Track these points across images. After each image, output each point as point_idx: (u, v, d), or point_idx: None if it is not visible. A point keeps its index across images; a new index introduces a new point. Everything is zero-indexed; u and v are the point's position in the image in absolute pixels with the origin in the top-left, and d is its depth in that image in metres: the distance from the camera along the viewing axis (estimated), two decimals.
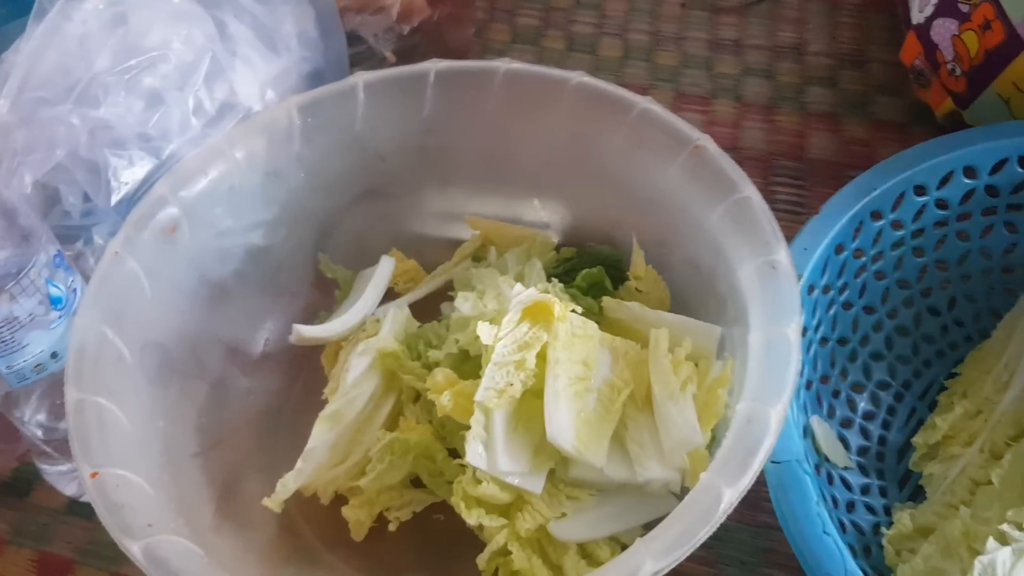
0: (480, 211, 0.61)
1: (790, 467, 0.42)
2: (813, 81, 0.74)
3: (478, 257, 0.60)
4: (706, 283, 0.51)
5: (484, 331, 0.47)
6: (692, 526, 0.37)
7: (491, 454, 0.46)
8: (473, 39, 0.78)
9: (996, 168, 0.53)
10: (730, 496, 0.38)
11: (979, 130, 0.53)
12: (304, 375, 0.57)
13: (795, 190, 0.67)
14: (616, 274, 0.56)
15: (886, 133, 0.69)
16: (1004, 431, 0.49)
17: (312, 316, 0.58)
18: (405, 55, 0.71)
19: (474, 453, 0.45)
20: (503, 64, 0.56)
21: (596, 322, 0.52)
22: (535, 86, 0.56)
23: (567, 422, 0.45)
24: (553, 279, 0.55)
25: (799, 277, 0.48)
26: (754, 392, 0.42)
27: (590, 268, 0.55)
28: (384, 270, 0.58)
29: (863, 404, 0.54)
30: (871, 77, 0.73)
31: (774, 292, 0.45)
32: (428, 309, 0.57)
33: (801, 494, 0.41)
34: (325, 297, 0.59)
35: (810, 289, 0.50)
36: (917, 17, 0.62)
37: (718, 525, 0.37)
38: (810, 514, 0.40)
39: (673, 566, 0.37)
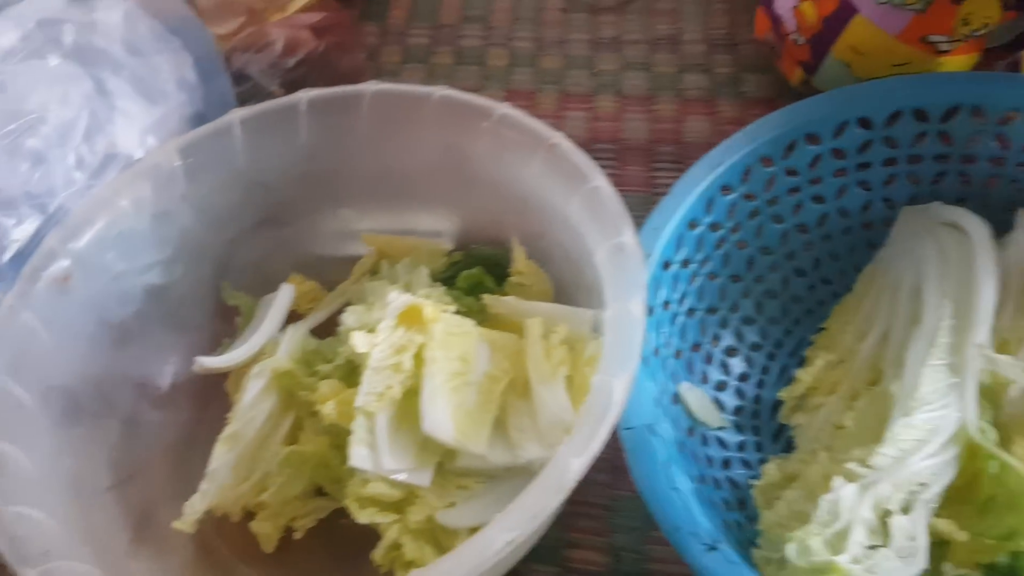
0: (375, 227, 0.64)
1: (640, 432, 0.44)
2: (689, 68, 0.77)
3: (375, 271, 0.63)
4: (577, 270, 0.54)
5: (359, 340, 0.50)
6: (542, 497, 0.40)
7: (376, 455, 0.48)
8: (365, 64, 0.81)
9: (838, 132, 0.56)
10: (578, 465, 0.41)
11: (816, 99, 0.56)
12: (215, 403, 0.59)
13: (676, 173, 0.69)
14: (500, 272, 0.59)
15: (756, 109, 0.72)
16: (863, 377, 0.52)
17: (218, 345, 0.61)
18: (294, 87, 0.73)
19: (358, 456, 0.48)
20: (370, 87, 0.59)
21: (481, 319, 0.55)
22: (402, 104, 0.59)
23: (445, 415, 0.48)
24: (439, 283, 0.58)
25: (649, 255, 0.51)
26: (604, 366, 0.45)
27: (470, 269, 0.58)
28: (283, 295, 0.61)
29: (738, 367, 0.57)
30: (741, 58, 0.77)
31: (622, 271, 0.48)
32: (334, 326, 0.60)
33: (650, 455, 0.44)
34: (230, 326, 0.62)
35: (666, 265, 0.53)
36: None
37: (567, 493, 0.40)
38: (658, 473, 0.43)
39: (526, 535, 0.39)
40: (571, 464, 0.41)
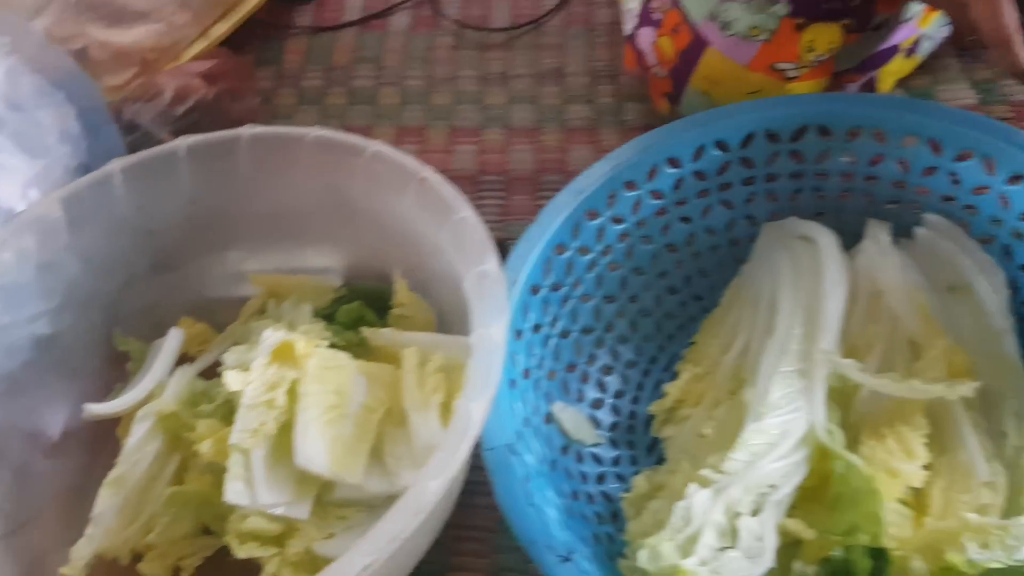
0: (264, 267, 0.65)
1: (500, 452, 0.46)
2: (573, 100, 0.80)
3: (263, 311, 0.64)
4: (454, 298, 0.56)
5: (231, 379, 0.51)
6: (401, 521, 0.42)
7: (252, 490, 0.49)
8: (259, 107, 0.83)
9: (697, 155, 0.59)
10: (435, 488, 0.42)
11: (672, 125, 0.59)
12: (107, 449, 0.60)
13: None
14: (383, 304, 0.60)
15: (635, 137, 0.75)
16: (726, 387, 0.55)
17: (110, 392, 0.62)
18: (185, 134, 0.75)
19: (233, 491, 0.49)
20: (247, 130, 0.61)
21: (361, 352, 0.56)
22: (279, 145, 0.61)
23: (319, 448, 0.50)
24: (322, 320, 0.59)
25: (515, 281, 0.53)
26: (465, 390, 0.46)
27: (350, 304, 0.59)
28: (172, 340, 0.62)
29: (614, 384, 0.59)
30: (622, 89, 0.80)
31: (485, 298, 0.49)
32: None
33: (509, 474, 0.45)
34: (122, 372, 0.63)
35: (534, 289, 0.55)
36: (628, 29, 0.69)
37: (425, 515, 0.42)
38: (516, 491, 0.45)
39: (384, 557, 0.41)
40: (429, 487, 0.42)
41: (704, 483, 0.46)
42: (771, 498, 0.46)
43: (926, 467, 0.48)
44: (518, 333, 0.53)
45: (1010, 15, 0.57)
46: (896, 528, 0.45)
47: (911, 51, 0.71)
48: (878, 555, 0.43)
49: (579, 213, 0.57)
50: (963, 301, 0.55)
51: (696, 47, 0.62)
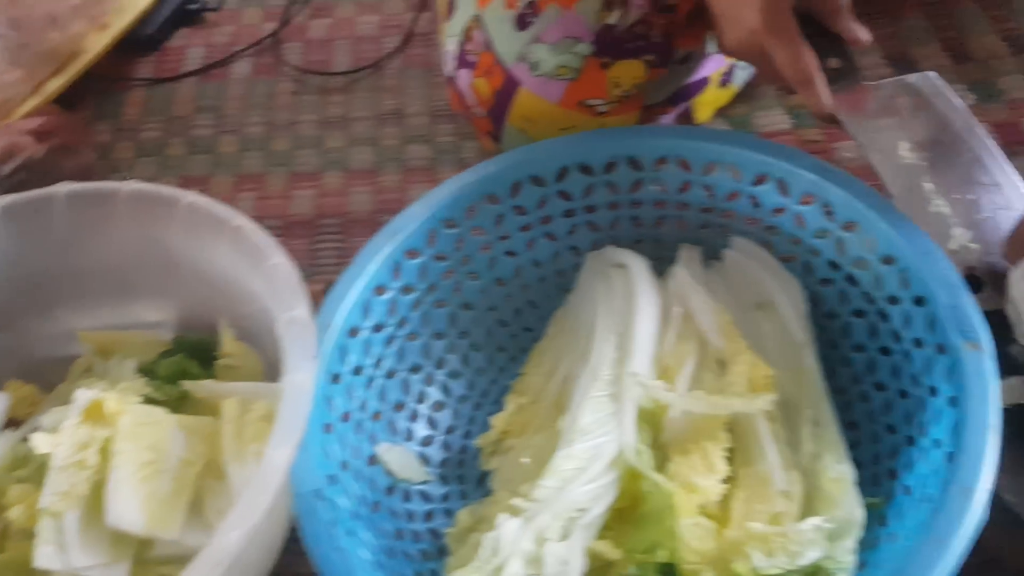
0: (95, 324, 0.64)
1: (307, 498, 0.46)
2: (413, 140, 0.81)
3: (91, 370, 0.63)
4: (275, 345, 0.56)
5: (38, 441, 0.50)
6: (203, 572, 0.41)
7: (66, 553, 0.48)
8: (95, 163, 0.82)
9: (514, 191, 0.61)
10: (236, 539, 0.42)
11: (487, 163, 0.60)
12: None
13: None
14: (210, 356, 0.60)
15: None
16: (549, 416, 0.56)
17: None
18: (14, 192, 0.73)
19: (43, 556, 0.48)
20: (61, 188, 0.60)
21: (184, 406, 0.56)
22: (96, 200, 0.60)
23: (133, 506, 0.49)
24: (147, 375, 0.58)
25: (329, 325, 0.53)
26: (272, 438, 0.46)
27: (172, 358, 0.59)
28: None
29: (445, 420, 0.60)
30: (461, 127, 0.81)
31: (294, 344, 0.50)
32: None
33: (315, 519, 0.45)
34: None
35: (353, 332, 0.55)
36: (448, 71, 0.70)
37: (223, 567, 0.41)
38: (321, 535, 0.45)
39: None
40: (229, 539, 0.42)
41: (515, 512, 0.47)
42: (580, 522, 0.47)
43: (728, 480, 0.49)
44: (335, 377, 0.53)
45: (809, 59, 0.61)
46: (698, 541, 0.47)
47: (724, 81, 0.74)
48: (668, 570, 0.45)
49: (398, 253, 0.57)
50: (768, 317, 0.57)
51: (509, 87, 0.64)
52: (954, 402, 0.45)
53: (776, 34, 0.60)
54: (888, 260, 0.53)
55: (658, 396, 0.52)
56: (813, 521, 0.45)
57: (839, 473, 0.48)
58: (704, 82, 0.71)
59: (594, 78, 0.63)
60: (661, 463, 0.51)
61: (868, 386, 0.55)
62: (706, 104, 0.74)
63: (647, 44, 0.64)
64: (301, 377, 0.48)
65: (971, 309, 0.48)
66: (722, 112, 0.78)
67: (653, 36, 0.64)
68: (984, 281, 0.57)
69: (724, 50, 0.65)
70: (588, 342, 0.57)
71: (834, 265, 0.57)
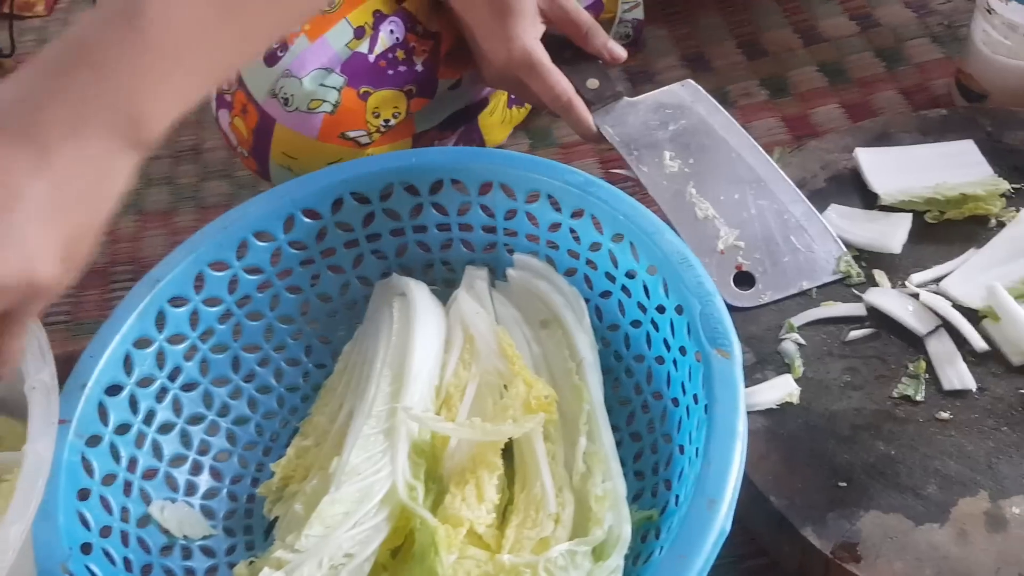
0: None
1: (52, 572, 0.44)
2: (210, 177, 0.79)
3: None
4: None
5: None
6: None
7: None
8: None
9: (288, 227, 0.59)
10: None
11: (252, 201, 0.59)
12: None
13: None
14: None
15: None
16: (328, 457, 0.54)
17: None
18: None
19: None
20: None
21: None
22: None
23: None
24: None
25: (84, 384, 0.51)
26: (7, 513, 0.43)
27: None
28: None
29: (231, 470, 0.58)
30: None
31: (37, 409, 0.47)
32: None
33: None
34: None
35: (113, 389, 0.52)
36: (213, 111, 0.67)
37: None
38: None
39: None
40: None
41: (278, 564, 0.46)
42: (347, 568, 0.46)
43: (508, 504, 0.49)
44: (93, 439, 0.51)
45: (563, 85, 0.61)
46: (476, 573, 0.46)
47: (512, 101, 0.74)
48: None
49: (160, 302, 0.55)
50: (553, 335, 0.57)
51: (265, 125, 0.62)
52: (708, 410, 0.46)
53: (527, 66, 0.60)
54: (652, 270, 0.53)
55: (433, 428, 0.51)
56: (562, 547, 0.44)
57: (605, 490, 0.47)
58: (485, 102, 0.71)
59: (352, 109, 0.62)
60: (440, 496, 0.50)
61: (648, 396, 0.55)
62: (499, 124, 0.74)
63: (408, 73, 0.63)
64: (40, 446, 0.45)
65: (722, 316, 0.48)
66: (523, 126, 0.78)
67: (414, 65, 0.63)
68: (755, 277, 0.59)
69: (485, 82, 0.65)
70: (368, 377, 0.55)
71: (610, 277, 0.57)
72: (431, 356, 0.55)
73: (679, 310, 0.51)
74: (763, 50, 0.83)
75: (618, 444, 0.55)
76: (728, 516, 0.41)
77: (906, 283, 0.57)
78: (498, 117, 0.73)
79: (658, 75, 0.82)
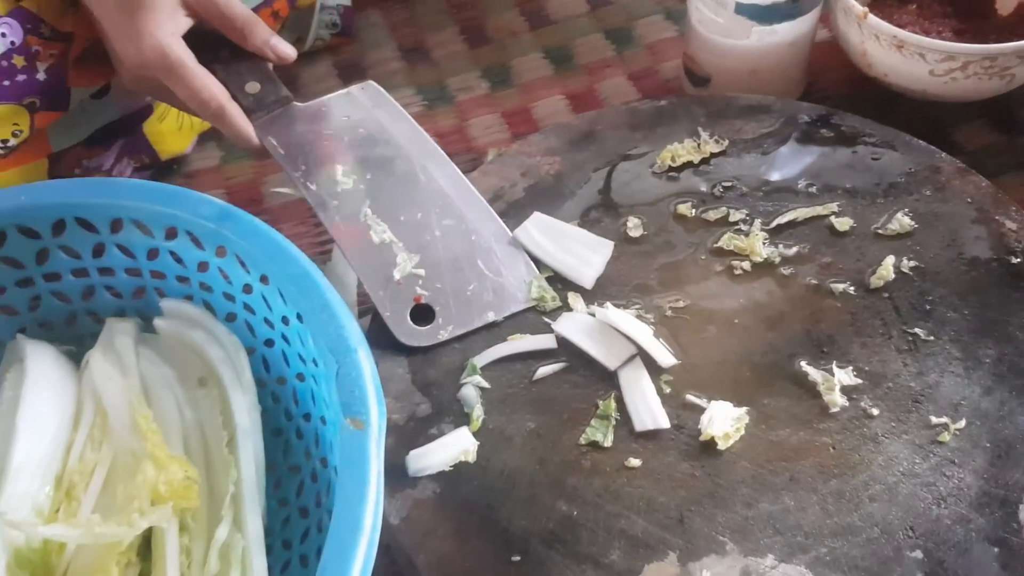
0: None
1: None
2: None
3: None
4: None
5: None
6: None
7: None
8: None
9: None
10: None
11: None
12: None
13: None
14: None
15: None
16: None
17: None
18: None
19: None
20: None
21: None
22: None
23: None
24: None
25: None
26: None
27: None
28: None
29: None
30: None
31: None
32: None
33: None
34: None
35: None
36: None
37: None
38: None
39: None
40: None
41: None
42: None
43: None
44: None
45: (213, 89, 0.52)
46: None
47: None
48: None
49: None
50: (209, 395, 0.48)
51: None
52: (334, 495, 0.38)
53: (164, 68, 0.51)
54: (300, 318, 0.45)
55: (32, 534, 0.42)
56: None
57: None
58: (149, 108, 0.61)
59: None
60: None
61: (317, 462, 0.47)
62: (172, 131, 0.64)
63: (28, 82, 0.52)
64: None
65: (360, 376, 0.40)
66: (215, 134, 0.69)
67: (35, 72, 0.53)
68: (435, 311, 0.52)
69: (125, 86, 0.55)
70: None
71: (269, 323, 0.49)
72: (45, 441, 0.46)
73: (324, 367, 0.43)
74: (487, 37, 0.76)
75: (285, 522, 0.48)
76: None
77: (605, 305, 0.51)
78: (172, 124, 0.63)
79: (371, 68, 0.74)
